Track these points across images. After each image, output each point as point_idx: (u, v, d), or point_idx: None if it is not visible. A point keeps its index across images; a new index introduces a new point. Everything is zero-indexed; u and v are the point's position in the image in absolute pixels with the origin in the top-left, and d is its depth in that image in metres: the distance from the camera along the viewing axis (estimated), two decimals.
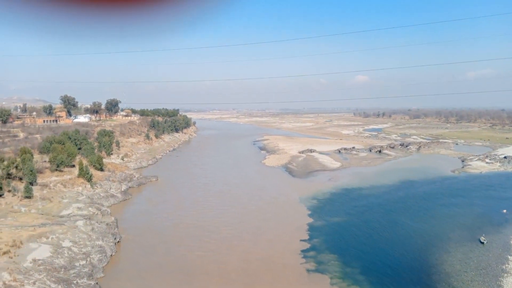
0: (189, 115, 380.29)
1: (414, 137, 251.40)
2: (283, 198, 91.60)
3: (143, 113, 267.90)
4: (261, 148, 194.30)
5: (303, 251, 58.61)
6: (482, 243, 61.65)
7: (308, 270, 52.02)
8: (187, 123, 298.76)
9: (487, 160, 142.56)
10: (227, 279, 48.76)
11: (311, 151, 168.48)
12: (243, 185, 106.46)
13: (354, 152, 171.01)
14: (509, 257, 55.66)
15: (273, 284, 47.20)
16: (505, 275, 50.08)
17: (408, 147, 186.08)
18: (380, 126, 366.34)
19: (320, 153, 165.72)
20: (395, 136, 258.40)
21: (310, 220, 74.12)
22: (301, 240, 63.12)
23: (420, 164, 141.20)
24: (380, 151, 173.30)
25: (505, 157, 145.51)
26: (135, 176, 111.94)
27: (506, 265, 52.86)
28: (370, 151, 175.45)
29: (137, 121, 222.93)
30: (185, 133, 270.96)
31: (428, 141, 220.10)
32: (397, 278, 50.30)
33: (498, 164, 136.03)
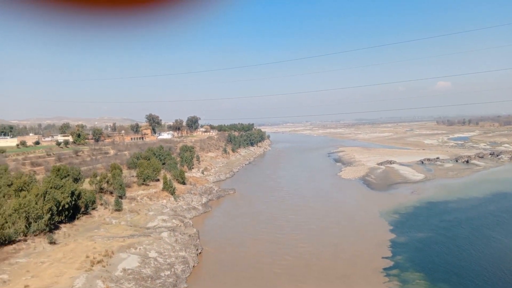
0: (263, 129, 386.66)
1: (506, 145, 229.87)
2: (361, 213, 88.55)
3: (220, 128, 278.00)
4: (336, 160, 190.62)
5: (385, 269, 55.70)
6: None
7: None
8: (261, 137, 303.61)
9: None
10: None
11: (390, 162, 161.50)
12: (319, 198, 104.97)
13: (439, 162, 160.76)
14: None
15: None
16: None
17: (499, 157, 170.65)
18: (466, 135, 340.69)
19: (401, 164, 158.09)
20: (484, 145, 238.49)
21: (392, 236, 70.65)
22: (382, 257, 60.16)
23: None
24: (467, 161, 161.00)
25: None
26: (214, 189, 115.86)
27: None
28: (457, 161, 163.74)
29: (215, 136, 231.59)
30: (259, 147, 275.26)
31: None
32: None
33: None
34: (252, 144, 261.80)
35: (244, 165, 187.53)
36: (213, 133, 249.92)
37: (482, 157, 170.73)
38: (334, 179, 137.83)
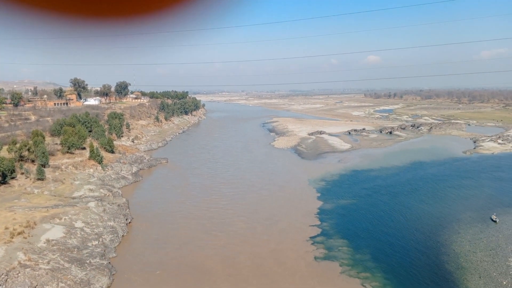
0: (198, 97, 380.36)
1: (426, 118, 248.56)
2: (293, 182, 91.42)
3: (152, 95, 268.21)
4: (270, 130, 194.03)
5: (312, 237, 57.93)
6: (494, 221, 61.66)
7: (316, 258, 51.02)
8: (196, 106, 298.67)
9: (499, 141, 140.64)
10: (238, 276, 47.18)
11: (320, 132, 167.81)
12: (254, 169, 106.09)
13: (365, 133, 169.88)
14: None
15: (285, 277, 46.19)
16: None
17: (419, 128, 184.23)
18: (391, 107, 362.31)
19: (330, 134, 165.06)
20: (406, 117, 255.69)
21: (320, 203, 74.04)
22: (310, 226, 62.67)
23: (431, 145, 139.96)
24: (390, 133, 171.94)
25: None
26: (145, 158, 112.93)
27: None
28: (381, 132, 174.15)
29: (147, 104, 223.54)
30: (194, 116, 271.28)
31: (439, 122, 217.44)
32: (406, 261, 50.48)
33: (511, 145, 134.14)
34: (186, 113, 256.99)
35: (177, 134, 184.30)
36: (145, 100, 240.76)
37: (404, 129, 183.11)
38: (268, 148, 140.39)
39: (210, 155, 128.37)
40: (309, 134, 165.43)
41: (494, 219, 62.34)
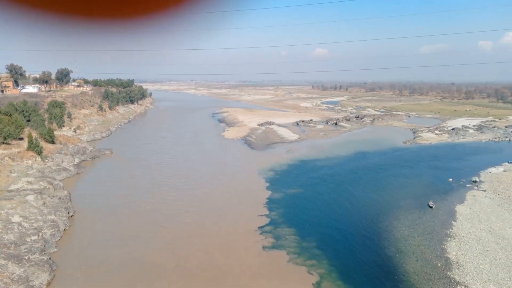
0: (144, 86, 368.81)
1: (369, 109, 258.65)
2: (243, 173, 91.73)
3: (96, 83, 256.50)
4: (220, 121, 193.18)
5: (260, 227, 58.28)
6: (431, 207, 65.80)
7: (264, 248, 51.46)
8: (142, 94, 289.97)
9: (436, 132, 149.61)
10: (187, 269, 46.43)
11: (270, 123, 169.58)
12: (204, 160, 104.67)
13: (312, 124, 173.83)
14: (453, 222, 59.39)
15: (233, 268, 46.16)
16: (449, 239, 53.53)
17: (363, 120, 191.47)
18: (337, 99, 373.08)
19: (279, 125, 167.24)
20: (351, 109, 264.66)
21: (268, 193, 74.82)
22: (259, 216, 63.02)
23: (373, 136, 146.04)
24: (336, 124, 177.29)
25: (453, 129, 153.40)
26: (88, 149, 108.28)
27: (450, 230, 56.45)
28: (327, 123, 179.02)
29: (90, 92, 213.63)
30: (140, 105, 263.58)
31: (382, 113, 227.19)
32: (351, 246, 52.59)
33: (446, 135, 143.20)
34: (132, 102, 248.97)
35: (122, 124, 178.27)
36: (88, 88, 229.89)
37: (348, 120, 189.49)
38: (218, 139, 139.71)
39: (158, 146, 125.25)
40: (259, 125, 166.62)
41: (430, 205, 66.55)
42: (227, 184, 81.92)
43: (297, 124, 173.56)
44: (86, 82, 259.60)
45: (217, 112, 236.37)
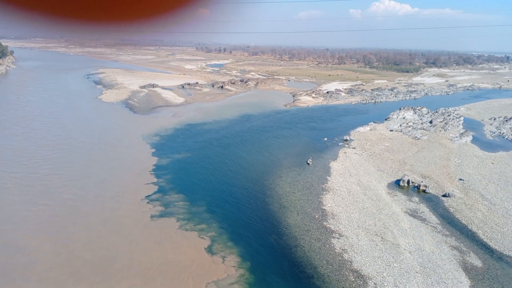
0: (4, 42, 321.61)
1: (253, 73, 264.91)
2: (126, 139, 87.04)
3: None
4: (97, 83, 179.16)
5: (147, 196, 56.82)
6: (309, 164, 71.92)
7: (153, 217, 50.44)
8: (2, 52, 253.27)
9: (313, 95, 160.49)
10: (70, 253, 42.72)
11: (153, 86, 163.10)
12: (81, 127, 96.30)
13: (198, 87, 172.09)
14: (328, 177, 65.56)
15: (121, 245, 43.90)
16: (324, 192, 59.19)
17: (247, 83, 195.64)
18: (221, 62, 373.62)
19: (163, 88, 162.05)
20: (236, 72, 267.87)
21: (155, 159, 72.99)
22: (146, 184, 61.25)
23: (257, 99, 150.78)
24: (222, 87, 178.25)
25: (327, 92, 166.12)
26: None
27: (325, 184, 62.30)
28: (213, 86, 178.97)
29: None
30: (0, 64, 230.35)
31: (264, 77, 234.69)
32: (238, 206, 54.80)
33: (322, 98, 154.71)
34: None
35: None
36: None
37: (234, 83, 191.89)
38: (95, 103, 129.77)
39: (25, 112, 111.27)
40: (141, 87, 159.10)
41: (309, 163, 72.33)
42: (109, 153, 76.74)
43: (183, 87, 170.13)
44: None
45: (92, 73, 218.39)
